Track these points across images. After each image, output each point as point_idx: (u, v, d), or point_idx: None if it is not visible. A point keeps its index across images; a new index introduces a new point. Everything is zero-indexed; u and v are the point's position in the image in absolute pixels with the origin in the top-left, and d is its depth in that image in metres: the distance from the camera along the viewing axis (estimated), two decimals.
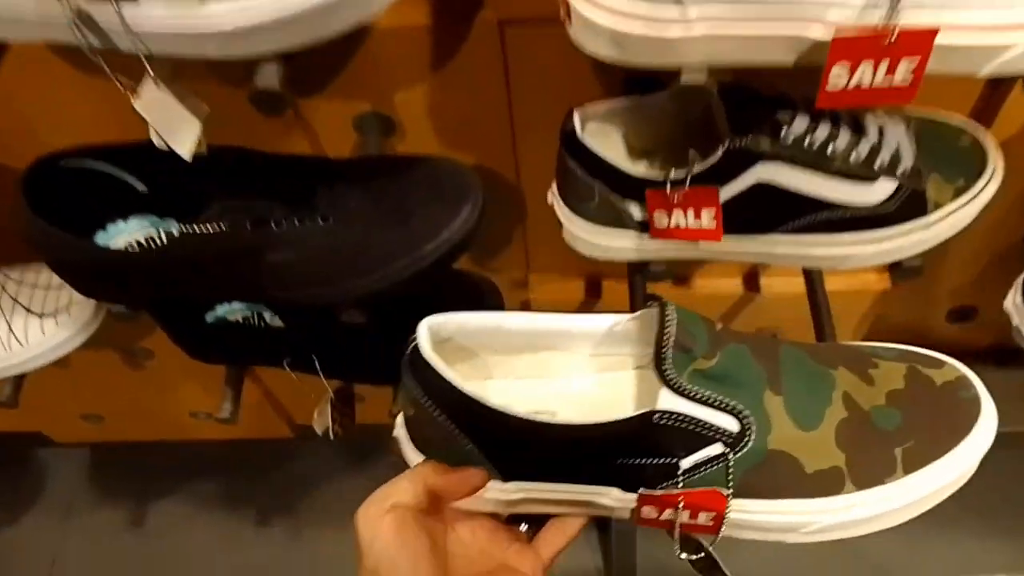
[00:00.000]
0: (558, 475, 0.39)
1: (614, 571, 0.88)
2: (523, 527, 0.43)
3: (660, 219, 0.48)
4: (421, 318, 0.39)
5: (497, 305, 0.61)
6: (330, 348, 0.59)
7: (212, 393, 0.70)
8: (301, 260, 0.48)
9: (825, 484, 0.37)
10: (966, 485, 0.37)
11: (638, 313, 0.40)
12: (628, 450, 0.37)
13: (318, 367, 0.59)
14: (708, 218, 0.46)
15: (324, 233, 0.49)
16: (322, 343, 0.59)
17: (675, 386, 0.36)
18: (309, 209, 0.50)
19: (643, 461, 0.37)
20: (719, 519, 0.38)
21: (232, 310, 0.59)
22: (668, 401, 0.36)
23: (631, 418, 0.37)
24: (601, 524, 0.79)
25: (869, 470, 0.37)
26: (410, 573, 0.36)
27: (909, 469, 0.37)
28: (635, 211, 0.48)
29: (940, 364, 0.39)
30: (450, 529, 0.40)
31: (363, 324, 0.56)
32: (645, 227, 0.49)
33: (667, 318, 0.37)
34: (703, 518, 0.38)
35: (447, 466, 0.39)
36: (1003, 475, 0.84)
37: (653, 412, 0.36)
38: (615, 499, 0.39)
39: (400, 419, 0.42)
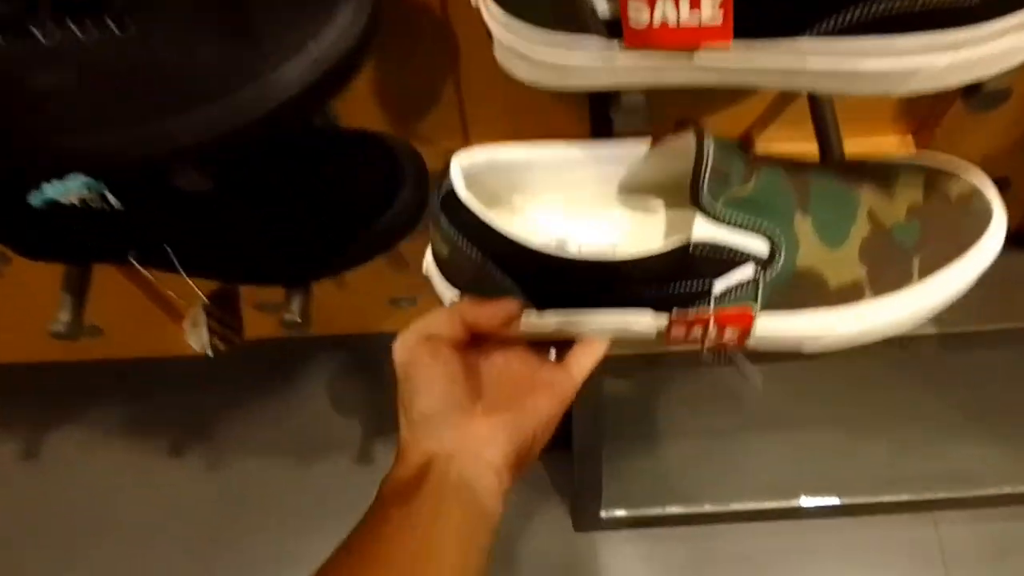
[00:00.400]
0: (592, 304, 0.41)
1: (577, 495, 0.89)
2: (552, 352, 0.44)
3: (638, 13, 0.33)
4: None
5: (418, 177, 0.47)
6: (184, 234, 0.44)
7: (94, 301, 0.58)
8: (86, 88, 0.33)
9: (846, 295, 0.40)
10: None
11: (670, 138, 0.40)
12: (662, 280, 0.39)
13: (174, 261, 0.45)
14: (711, 7, 0.33)
15: (120, 47, 0.33)
16: (171, 227, 0.44)
17: (712, 215, 0.37)
18: (95, 8, 0.33)
19: (676, 288, 0.39)
20: (745, 334, 0.40)
21: (66, 190, 0.42)
22: (704, 230, 0.37)
23: (665, 252, 0.38)
24: (566, 442, 0.78)
25: (887, 280, 0.40)
26: (444, 394, 0.37)
27: (924, 275, 0.40)
28: (601, 3, 0.34)
29: (955, 176, 0.42)
30: (483, 358, 0.41)
31: (214, 195, 0.43)
32: (616, 30, 0.34)
33: (704, 147, 0.37)
34: (729, 334, 0.41)
35: (482, 299, 0.40)
36: None
37: (689, 243, 0.37)
38: (647, 323, 0.41)
39: (430, 257, 0.43)
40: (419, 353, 0.38)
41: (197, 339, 0.50)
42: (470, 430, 0.37)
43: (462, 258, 0.40)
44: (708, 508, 0.92)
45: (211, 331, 0.50)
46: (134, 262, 0.45)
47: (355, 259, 0.46)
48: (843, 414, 0.96)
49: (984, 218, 0.41)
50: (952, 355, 0.69)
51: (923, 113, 0.57)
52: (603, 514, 0.90)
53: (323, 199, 0.45)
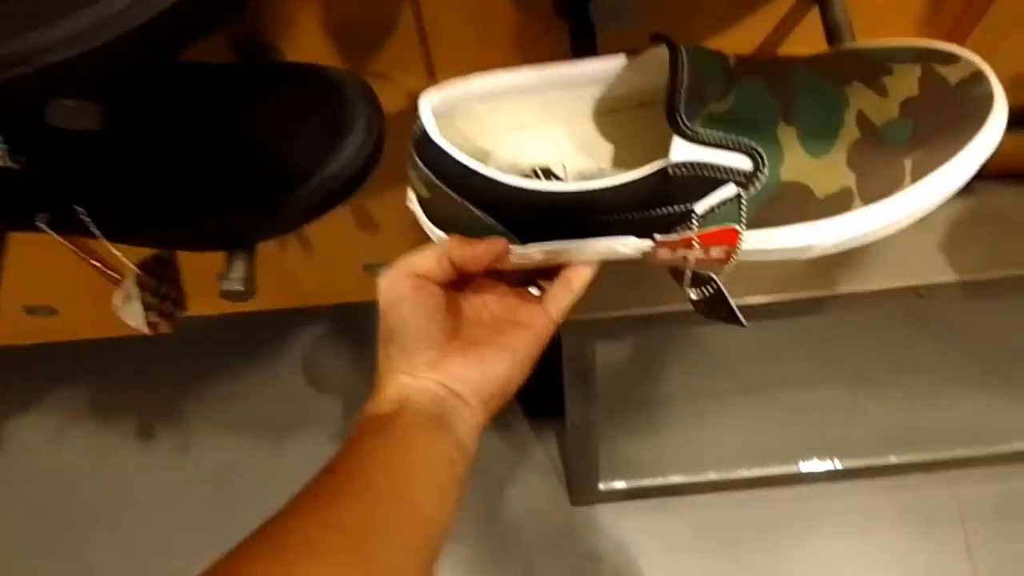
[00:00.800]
0: (575, 234, 0.40)
1: (573, 468, 0.88)
2: (533, 290, 0.44)
3: None
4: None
5: (371, 119, 0.42)
6: (93, 191, 0.38)
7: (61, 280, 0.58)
8: None
9: (835, 205, 0.38)
10: None
11: (647, 52, 0.39)
12: (642, 204, 0.38)
13: (88, 224, 0.39)
14: None
15: None
16: (78, 184, 0.38)
17: (689, 135, 0.36)
18: None
19: (657, 212, 0.38)
20: (731, 252, 0.40)
21: None
22: (682, 151, 0.36)
23: (644, 177, 0.37)
24: (558, 411, 0.77)
25: (878, 185, 0.38)
26: (422, 330, 0.38)
27: (916, 177, 0.38)
28: None
29: (956, 59, 0.39)
30: (464, 298, 0.42)
31: (120, 141, 0.37)
32: None
33: (679, 63, 0.35)
34: (715, 252, 0.40)
35: (469, 239, 0.40)
36: None
37: (667, 166, 0.36)
38: (631, 247, 0.40)
39: (412, 195, 0.41)
40: (402, 288, 0.38)
41: (131, 315, 0.45)
42: (445, 366, 0.38)
43: (442, 199, 0.39)
44: (711, 476, 0.90)
45: (146, 306, 0.46)
46: (45, 227, 0.40)
47: (298, 216, 0.41)
48: (848, 370, 0.93)
49: (984, 106, 0.38)
50: (967, 304, 0.66)
51: (949, 26, 0.53)
52: (601, 486, 0.87)
53: (257, 145, 0.40)
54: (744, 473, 0.90)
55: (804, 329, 0.91)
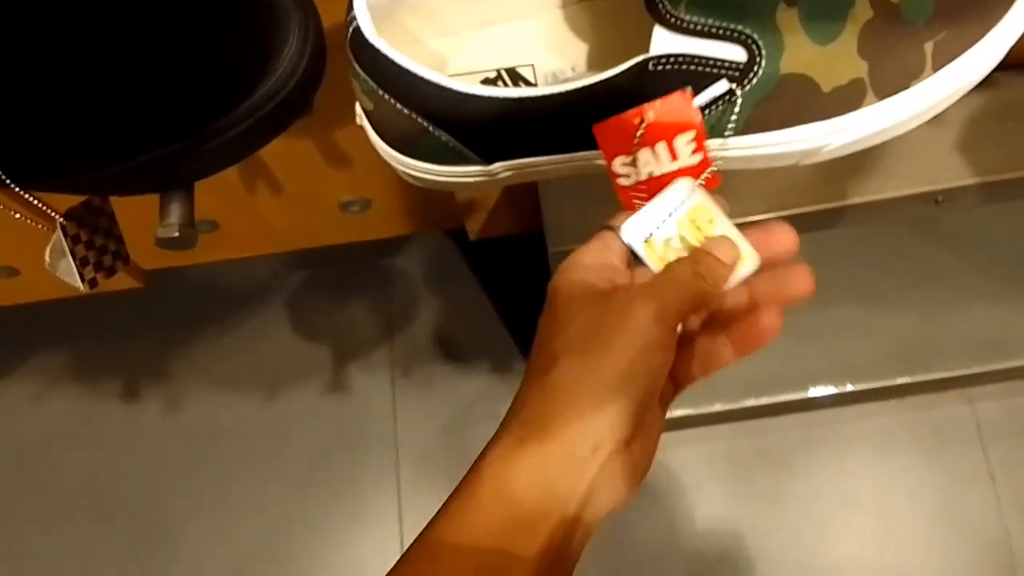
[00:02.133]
0: (546, 148, 0.35)
1: None
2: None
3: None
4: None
5: (306, 25, 0.36)
6: None
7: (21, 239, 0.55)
8: None
9: (844, 100, 0.33)
10: None
11: None
12: (617, 108, 0.33)
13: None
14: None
15: None
16: None
17: (671, 22, 0.30)
18: None
19: None
20: (701, 144, 0.34)
21: None
22: (664, 42, 0.31)
23: (620, 73, 0.32)
24: None
25: (894, 76, 0.33)
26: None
27: (938, 65, 0.33)
28: None
29: None
30: None
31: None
32: None
33: None
34: (682, 149, 0.34)
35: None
36: None
37: (647, 60, 0.31)
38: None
39: (360, 109, 0.36)
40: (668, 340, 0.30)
41: (64, 271, 0.40)
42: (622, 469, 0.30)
43: (390, 112, 0.33)
44: (719, 407, 0.86)
45: (81, 260, 0.40)
46: None
47: (232, 147, 0.36)
48: (856, 288, 0.88)
49: None
50: (981, 209, 0.60)
51: None
52: None
53: (171, 65, 0.35)
54: (754, 402, 0.86)
55: (808, 245, 0.86)
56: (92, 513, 0.88)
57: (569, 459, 0.28)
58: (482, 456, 0.29)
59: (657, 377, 0.29)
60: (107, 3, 0.34)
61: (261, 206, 0.69)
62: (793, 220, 0.58)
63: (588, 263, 0.32)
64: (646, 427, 0.30)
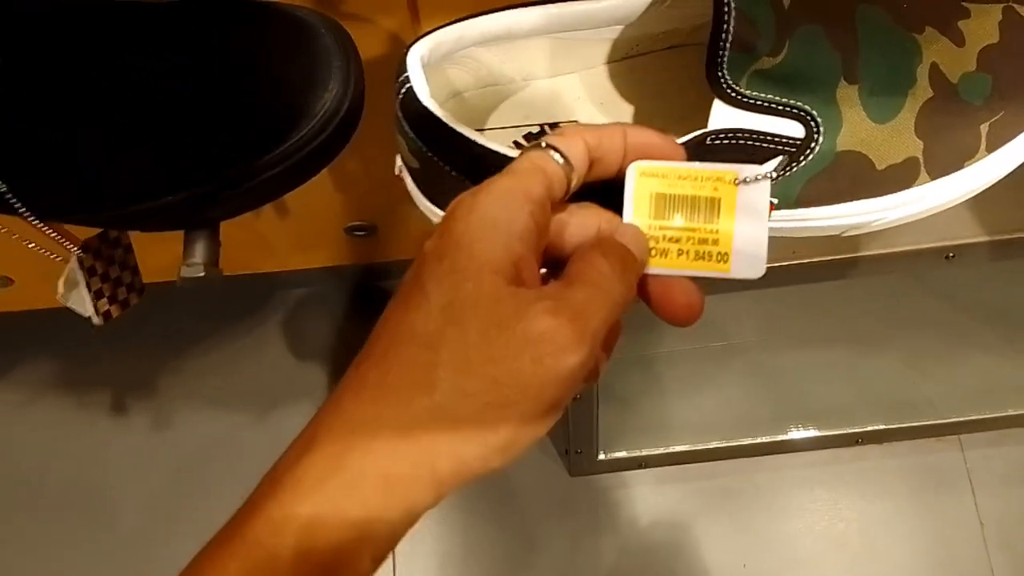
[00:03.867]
0: None
1: (571, 439, 0.83)
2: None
3: None
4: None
5: (347, 68, 0.34)
6: (12, 163, 0.32)
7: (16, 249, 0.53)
8: None
9: (897, 179, 0.33)
10: None
11: None
12: None
13: (15, 204, 0.33)
14: None
15: None
16: None
17: (732, 97, 0.30)
18: None
19: None
20: None
21: None
22: (723, 116, 0.30)
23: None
24: None
25: (949, 156, 0.32)
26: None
27: (993, 146, 0.32)
28: None
29: None
30: None
31: (19, 97, 0.31)
32: None
33: (725, 5, 0.28)
34: None
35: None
36: None
37: (705, 135, 0.30)
38: None
39: (401, 163, 0.35)
40: (518, 213, 0.25)
41: (78, 302, 0.39)
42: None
43: (437, 173, 0.32)
44: (714, 444, 0.86)
45: (95, 292, 0.39)
46: None
47: (264, 190, 0.35)
48: (850, 332, 0.89)
49: None
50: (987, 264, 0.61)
51: None
52: (601, 456, 0.83)
53: (209, 105, 0.33)
54: (747, 440, 0.86)
55: (805, 289, 0.86)
56: (77, 524, 0.85)
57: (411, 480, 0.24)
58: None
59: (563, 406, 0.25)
60: (146, 35, 0.33)
61: (264, 226, 0.67)
62: (803, 270, 0.58)
63: (519, 230, 0.25)
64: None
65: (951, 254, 0.59)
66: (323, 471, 0.24)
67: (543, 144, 0.27)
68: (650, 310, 0.29)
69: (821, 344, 0.89)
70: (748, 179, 0.28)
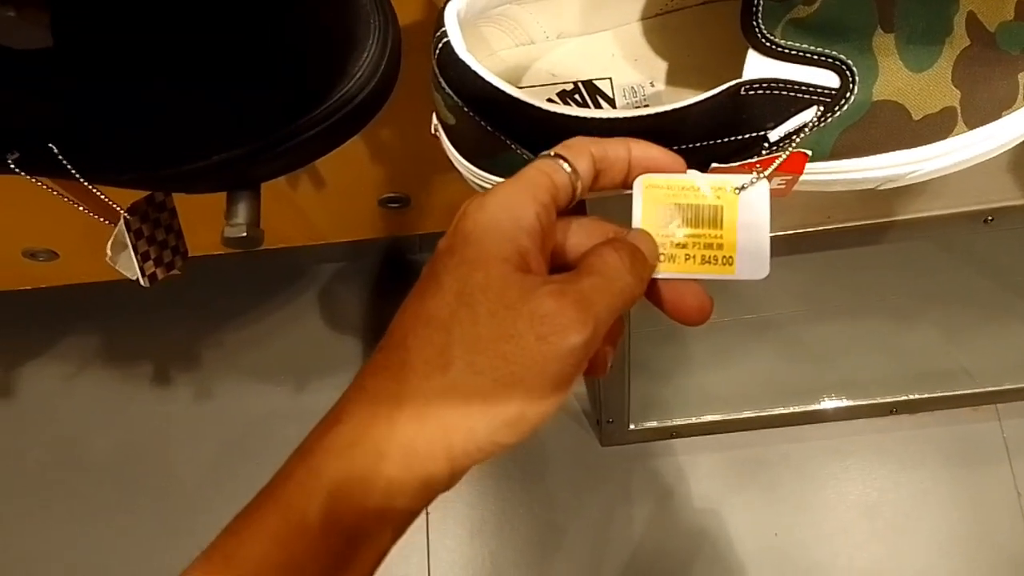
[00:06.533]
0: None
1: (603, 409, 0.83)
2: None
3: None
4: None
5: (385, 30, 0.35)
6: (65, 124, 0.34)
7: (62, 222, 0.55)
8: None
9: (934, 129, 0.33)
10: None
11: None
12: (705, 132, 0.32)
13: (63, 162, 0.34)
14: None
15: None
16: (47, 114, 0.34)
17: (766, 46, 0.30)
18: None
19: (724, 140, 0.33)
20: (792, 183, 0.34)
21: None
22: (758, 66, 0.30)
23: (711, 96, 0.31)
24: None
25: (986, 105, 0.32)
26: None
27: None
28: None
29: None
30: None
31: (74, 60, 0.32)
32: None
33: None
34: (776, 182, 0.34)
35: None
36: None
37: (739, 84, 0.31)
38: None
39: (437, 122, 0.36)
40: (529, 219, 0.27)
41: (125, 265, 0.40)
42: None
43: (472, 127, 0.33)
44: (746, 414, 0.86)
45: (142, 255, 0.40)
46: (16, 167, 0.35)
47: (304, 150, 0.36)
48: (885, 302, 0.88)
49: None
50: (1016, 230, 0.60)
51: None
52: (632, 427, 0.84)
53: (251, 67, 0.34)
54: (779, 410, 0.86)
55: (840, 258, 0.85)
56: (119, 493, 0.88)
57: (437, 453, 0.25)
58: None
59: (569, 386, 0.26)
60: (188, 5, 0.34)
61: (301, 199, 0.68)
62: (837, 235, 0.58)
63: (526, 226, 0.26)
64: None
65: (989, 217, 0.58)
66: (348, 441, 0.26)
67: (551, 153, 0.29)
68: (664, 314, 0.31)
69: (854, 316, 0.89)
70: (747, 185, 0.31)
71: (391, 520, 0.26)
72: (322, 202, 0.68)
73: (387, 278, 0.92)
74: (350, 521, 0.25)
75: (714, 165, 0.33)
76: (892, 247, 0.87)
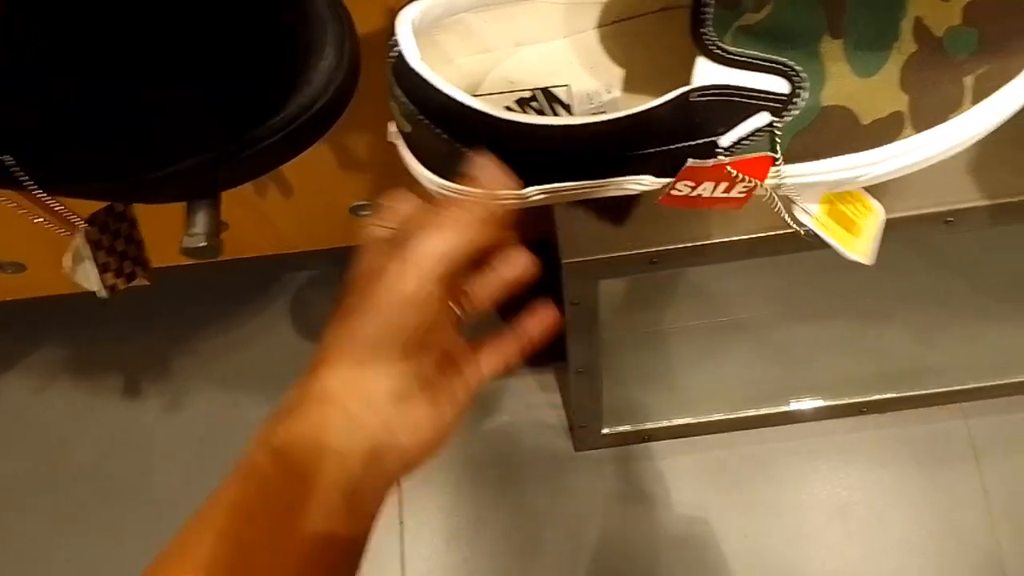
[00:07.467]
0: (581, 173, 0.35)
1: (575, 414, 0.84)
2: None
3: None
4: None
5: (342, 40, 0.35)
6: (19, 135, 0.33)
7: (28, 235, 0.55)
8: None
9: (882, 132, 0.33)
10: None
11: None
12: (657, 137, 0.33)
13: (20, 177, 0.33)
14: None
15: None
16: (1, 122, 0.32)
17: (715, 53, 0.30)
18: None
19: (676, 146, 0.33)
20: (754, 189, 0.35)
21: None
22: (707, 73, 0.31)
23: (663, 104, 0.32)
24: (558, 355, 0.72)
25: (933, 109, 0.33)
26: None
27: (978, 98, 0.33)
28: None
29: None
30: None
31: (25, 69, 0.31)
32: None
33: None
34: (738, 189, 0.35)
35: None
36: None
37: (689, 91, 0.31)
38: (647, 184, 0.36)
39: (394, 129, 0.36)
40: (433, 292, 0.31)
41: (84, 277, 0.40)
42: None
43: (426, 135, 0.34)
44: (716, 417, 0.86)
45: (102, 266, 0.40)
46: None
47: (263, 158, 0.36)
48: (850, 303, 0.89)
49: None
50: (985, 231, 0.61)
51: None
52: (605, 430, 0.84)
53: (208, 74, 0.34)
54: (750, 412, 0.87)
55: (807, 261, 0.86)
56: (95, 503, 0.87)
57: (343, 417, 0.31)
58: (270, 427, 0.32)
59: (413, 333, 0.31)
60: (144, 8, 0.34)
61: (269, 207, 0.68)
62: (803, 238, 0.58)
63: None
64: (431, 386, 0.32)
65: (950, 219, 0.59)
66: (295, 402, 0.32)
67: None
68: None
69: (824, 318, 0.89)
70: None
71: (333, 473, 0.30)
72: (291, 211, 0.68)
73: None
74: (296, 467, 0.30)
75: (691, 162, 0.34)
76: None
